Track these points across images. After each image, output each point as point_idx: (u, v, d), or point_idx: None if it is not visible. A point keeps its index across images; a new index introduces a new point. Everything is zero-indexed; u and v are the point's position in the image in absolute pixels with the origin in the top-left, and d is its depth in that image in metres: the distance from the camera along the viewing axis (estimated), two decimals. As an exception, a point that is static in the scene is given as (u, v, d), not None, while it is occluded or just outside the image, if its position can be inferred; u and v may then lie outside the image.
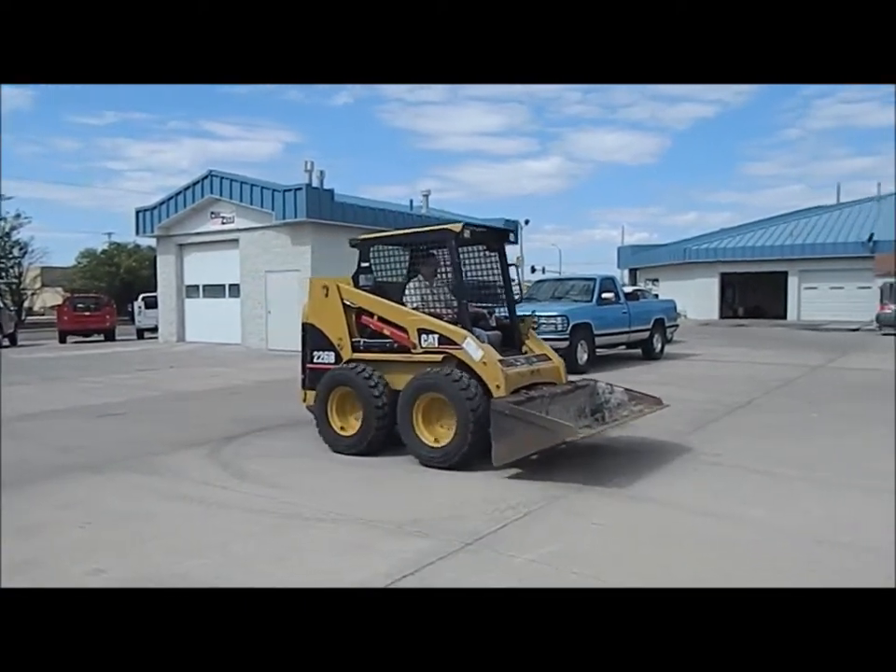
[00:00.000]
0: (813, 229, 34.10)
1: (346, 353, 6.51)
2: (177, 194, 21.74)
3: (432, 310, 6.30)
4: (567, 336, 12.05)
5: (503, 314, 6.90)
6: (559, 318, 12.18)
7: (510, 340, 6.57)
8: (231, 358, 16.97)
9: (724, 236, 37.31)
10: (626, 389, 6.48)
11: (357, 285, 6.63)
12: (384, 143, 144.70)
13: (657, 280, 37.30)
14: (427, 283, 6.64)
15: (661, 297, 22.58)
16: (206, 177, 20.75)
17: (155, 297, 24.26)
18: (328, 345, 6.65)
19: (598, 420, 6.01)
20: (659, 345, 15.21)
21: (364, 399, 6.14)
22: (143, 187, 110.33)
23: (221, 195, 20.40)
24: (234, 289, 20.91)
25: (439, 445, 5.76)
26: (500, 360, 5.81)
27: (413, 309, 6.34)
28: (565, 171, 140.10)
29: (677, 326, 17.38)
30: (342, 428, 6.40)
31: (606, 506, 4.73)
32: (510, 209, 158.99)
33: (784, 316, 32.20)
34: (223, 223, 20.77)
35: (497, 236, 6.95)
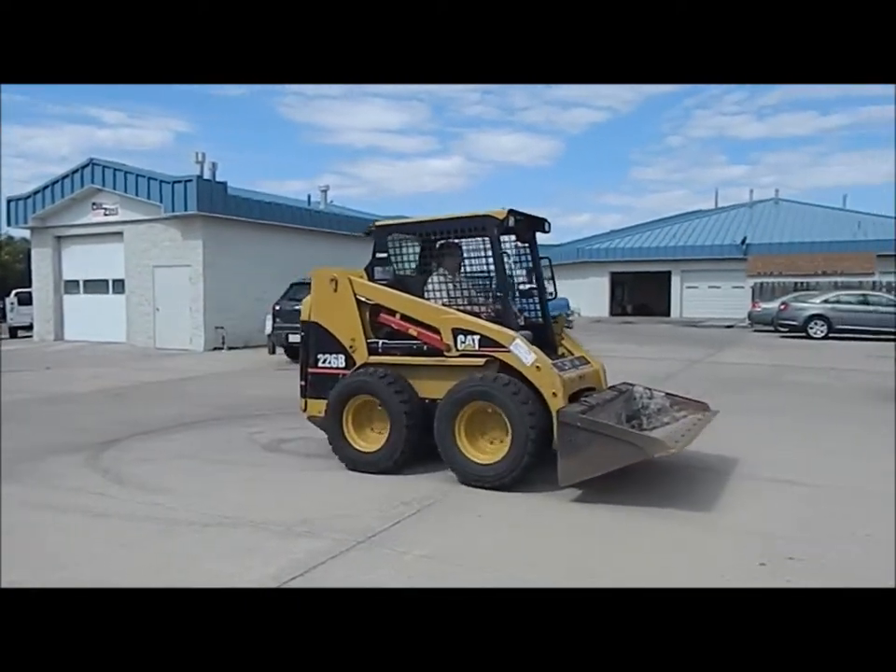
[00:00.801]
0: (693, 231, 36.26)
1: (360, 356, 5.68)
2: (54, 183, 20.38)
3: (461, 308, 5.55)
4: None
5: (534, 312, 6.16)
6: None
7: (542, 341, 5.77)
8: (115, 358, 16.10)
9: (614, 237, 38.98)
10: (668, 394, 5.95)
11: (371, 278, 5.81)
12: (282, 136, 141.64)
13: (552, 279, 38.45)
14: (452, 277, 5.87)
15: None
16: (87, 166, 19.56)
17: (29, 293, 22.65)
18: (336, 347, 5.79)
19: (635, 428, 5.31)
20: (553, 342, 15.62)
21: (390, 410, 5.37)
22: (17, 174, 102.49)
23: (104, 185, 19.28)
24: (119, 285, 19.86)
25: (489, 462, 5.04)
26: (554, 364, 5.16)
27: (445, 306, 5.58)
28: (465, 170, 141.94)
29: (570, 323, 18.04)
30: (361, 443, 5.61)
31: (492, 499, 4.83)
32: (411, 207, 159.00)
33: (668, 314, 33.99)
34: (106, 214, 19.66)
35: (532, 225, 6.04)
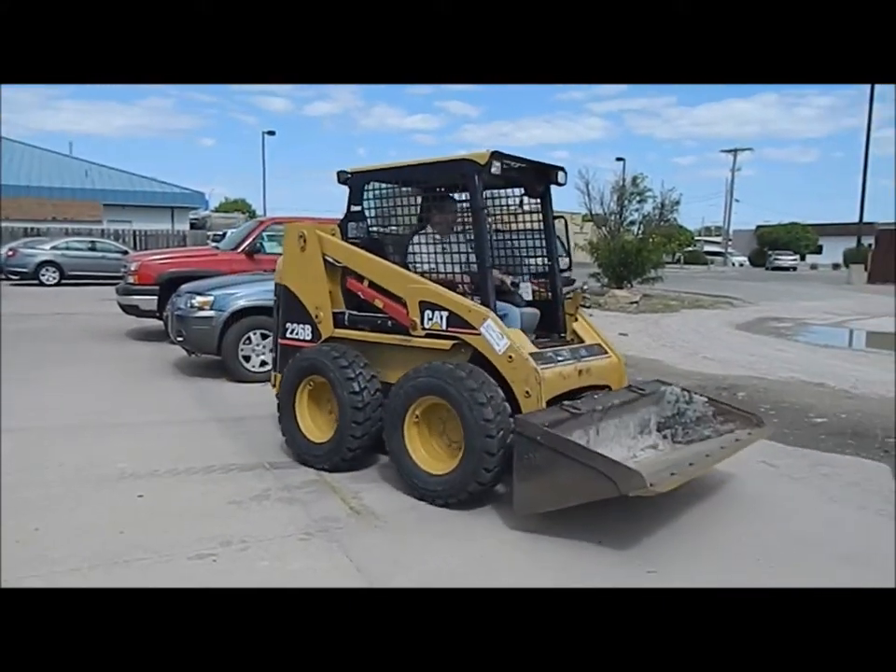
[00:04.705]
0: None
1: (326, 328, 4.76)
2: None
3: (445, 276, 4.44)
4: None
5: (543, 283, 4.90)
6: None
7: (550, 321, 4.71)
8: None
9: None
10: (710, 400, 4.66)
11: (345, 236, 4.82)
12: None
13: None
14: (440, 237, 4.71)
15: None
16: None
17: None
18: (303, 316, 4.86)
19: (668, 438, 4.41)
20: None
21: (339, 396, 4.38)
22: None
23: None
24: None
25: (440, 474, 3.97)
26: (534, 354, 4.01)
27: (421, 274, 4.46)
28: None
29: None
30: (314, 432, 4.64)
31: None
32: None
33: None
34: None
35: (540, 175, 4.77)
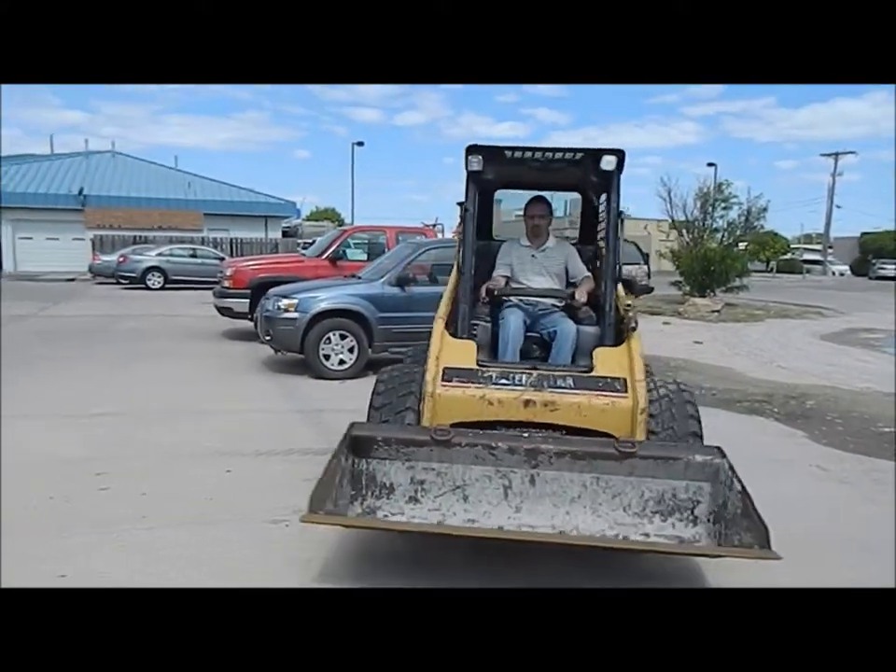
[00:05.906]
0: (25, 177, 32.91)
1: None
2: None
3: (525, 285, 4.29)
4: None
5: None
6: None
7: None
8: None
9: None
10: (743, 491, 3.04)
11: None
12: None
13: None
14: (529, 246, 4.43)
15: None
16: None
17: None
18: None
19: (713, 537, 3.14)
20: None
21: None
22: None
23: None
24: None
25: None
26: (466, 371, 3.57)
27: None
28: None
29: None
30: None
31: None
32: None
33: (0, 267, 30.17)
34: None
35: (596, 166, 3.84)
